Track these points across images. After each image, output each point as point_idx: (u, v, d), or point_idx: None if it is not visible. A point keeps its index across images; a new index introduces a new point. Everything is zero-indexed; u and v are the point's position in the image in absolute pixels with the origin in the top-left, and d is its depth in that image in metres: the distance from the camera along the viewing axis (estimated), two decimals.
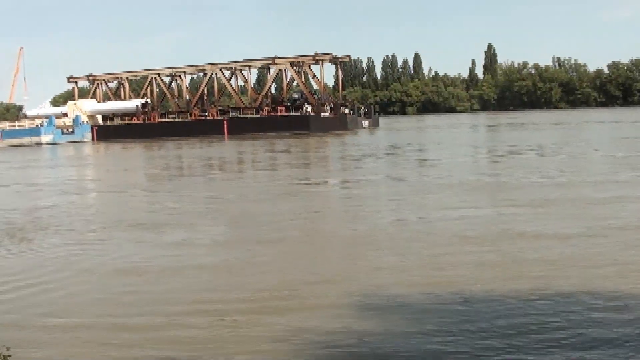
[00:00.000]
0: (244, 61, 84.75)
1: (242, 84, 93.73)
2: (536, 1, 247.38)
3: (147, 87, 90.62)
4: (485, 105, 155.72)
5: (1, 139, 76.86)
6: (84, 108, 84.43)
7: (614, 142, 36.57)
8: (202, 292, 9.24)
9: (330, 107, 76.70)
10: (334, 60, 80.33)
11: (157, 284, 9.81)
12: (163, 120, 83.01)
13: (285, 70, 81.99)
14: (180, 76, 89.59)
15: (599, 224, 12.67)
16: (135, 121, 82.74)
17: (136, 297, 9.18)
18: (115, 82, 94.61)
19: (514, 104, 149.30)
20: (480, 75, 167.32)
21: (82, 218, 17.00)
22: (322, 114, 73.53)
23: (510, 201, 16.11)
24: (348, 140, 53.91)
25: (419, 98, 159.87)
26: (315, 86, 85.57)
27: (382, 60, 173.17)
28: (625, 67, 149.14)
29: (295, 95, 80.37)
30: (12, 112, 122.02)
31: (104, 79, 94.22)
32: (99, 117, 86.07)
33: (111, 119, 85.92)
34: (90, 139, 79.76)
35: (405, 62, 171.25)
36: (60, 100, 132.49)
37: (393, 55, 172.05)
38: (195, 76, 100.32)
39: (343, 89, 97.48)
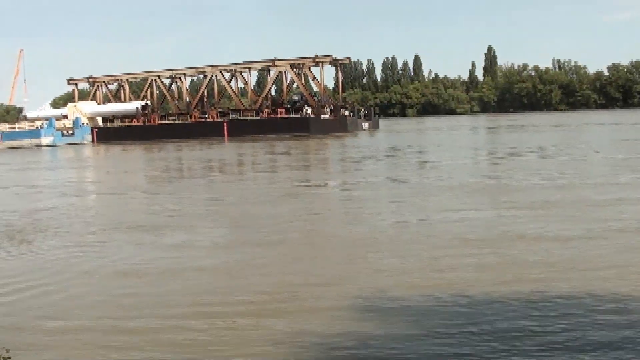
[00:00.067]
0: (244, 63, 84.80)
1: (242, 86, 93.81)
2: (536, 3, 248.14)
3: (147, 89, 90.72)
4: (485, 107, 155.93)
5: (1, 140, 76.74)
6: (84, 110, 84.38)
7: (614, 144, 36.55)
8: (202, 294, 9.23)
9: (330, 109, 76.69)
10: (334, 62, 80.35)
11: (157, 286, 9.79)
12: (163, 122, 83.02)
13: (285, 72, 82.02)
14: (180, 78, 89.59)
15: (599, 226, 12.66)
16: (135, 123, 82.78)
17: (136, 299, 9.16)
18: (115, 84, 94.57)
19: (514, 106, 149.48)
20: (480, 77, 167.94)
21: (82, 220, 16.99)
22: (322, 116, 73.57)
23: (510, 203, 16.10)
24: (348, 142, 53.89)
25: (419, 100, 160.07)
26: (315, 88, 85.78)
27: (382, 62, 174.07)
28: (625, 69, 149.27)
29: (295, 97, 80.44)
30: (12, 114, 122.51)
31: (104, 81, 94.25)
32: (99, 119, 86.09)
33: (111, 121, 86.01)
34: (90, 141, 79.76)
35: (405, 64, 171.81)
36: (60, 102, 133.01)
37: (393, 57, 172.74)
38: (195, 78, 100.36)
39: (343, 91, 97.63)
